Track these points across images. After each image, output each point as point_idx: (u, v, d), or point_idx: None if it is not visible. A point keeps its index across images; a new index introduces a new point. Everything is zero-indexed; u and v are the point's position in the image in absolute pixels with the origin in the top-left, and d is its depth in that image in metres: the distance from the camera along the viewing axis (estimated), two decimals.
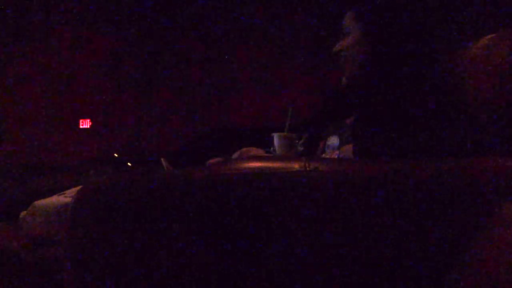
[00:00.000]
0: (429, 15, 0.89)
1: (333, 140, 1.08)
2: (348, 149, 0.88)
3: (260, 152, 1.08)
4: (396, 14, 0.88)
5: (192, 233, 0.62)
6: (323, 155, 1.15)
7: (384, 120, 0.83)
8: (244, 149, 1.08)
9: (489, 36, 0.93)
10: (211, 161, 1.07)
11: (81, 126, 3.69)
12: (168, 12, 3.80)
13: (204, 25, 3.79)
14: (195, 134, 3.52)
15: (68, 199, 0.99)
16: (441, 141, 0.75)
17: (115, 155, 3.48)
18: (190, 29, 3.82)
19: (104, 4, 3.74)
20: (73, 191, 1.06)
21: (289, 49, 3.58)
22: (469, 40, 0.98)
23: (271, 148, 1.11)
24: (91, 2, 3.71)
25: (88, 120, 3.70)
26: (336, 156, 0.94)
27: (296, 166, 0.64)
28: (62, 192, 1.08)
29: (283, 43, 3.61)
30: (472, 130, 0.78)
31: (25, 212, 1.04)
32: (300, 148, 1.08)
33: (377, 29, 0.90)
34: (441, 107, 0.79)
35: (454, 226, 0.62)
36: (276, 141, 1.09)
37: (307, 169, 0.64)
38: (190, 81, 3.84)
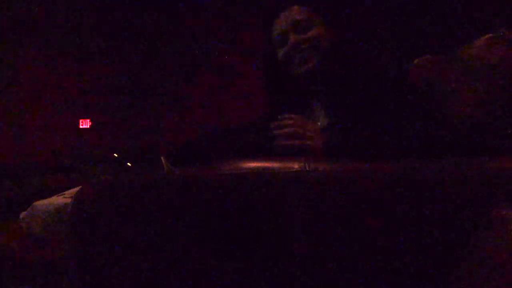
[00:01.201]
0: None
1: None
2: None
3: None
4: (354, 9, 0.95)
5: (192, 232, 0.62)
6: None
7: (350, 106, 0.87)
8: None
9: (486, 36, 0.93)
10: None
11: (81, 126, 3.69)
12: (169, 12, 3.80)
13: (204, 25, 3.78)
14: (196, 134, 3.51)
15: (67, 200, 0.99)
16: (405, 134, 0.77)
17: (115, 155, 3.48)
18: (190, 29, 3.81)
19: (104, 4, 3.73)
20: (72, 191, 1.06)
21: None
22: (463, 40, 0.98)
23: None
24: (91, 1, 3.70)
25: (88, 120, 3.70)
26: None
27: (295, 166, 0.64)
28: (62, 193, 1.08)
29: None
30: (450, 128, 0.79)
31: (25, 212, 1.04)
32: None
33: (338, 22, 0.97)
34: (408, 98, 0.82)
35: (453, 226, 0.62)
36: None
37: (307, 169, 0.64)
38: (191, 81, 3.84)
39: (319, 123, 0.98)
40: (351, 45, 0.97)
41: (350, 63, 0.95)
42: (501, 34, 0.91)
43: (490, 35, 0.92)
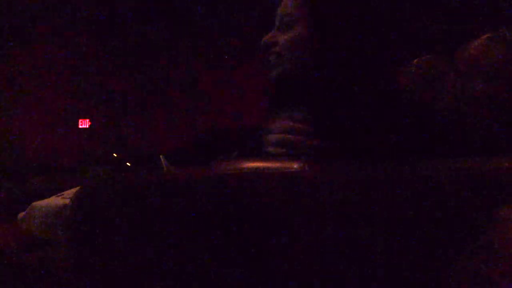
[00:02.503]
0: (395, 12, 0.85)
1: None
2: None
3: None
4: (353, 11, 0.80)
5: (191, 233, 0.62)
6: None
7: (344, 106, 0.77)
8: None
9: (485, 36, 0.93)
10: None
11: (80, 126, 3.69)
12: (168, 14, 3.80)
13: (203, 26, 3.79)
14: (195, 134, 3.52)
15: (66, 200, 0.99)
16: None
17: (115, 155, 3.49)
18: (190, 30, 3.82)
19: (104, 6, 3.74)
20: (71, 192, 1.06)
21: None
22: (463, 40, 0.97)
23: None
24: (91, 3, 3.71)
25: (87, 120, 3.71)
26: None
27: (295, 166, 0.64)
28: (60, 193, 1.08)
29: None
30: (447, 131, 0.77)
31: (23, 213, 1.04)
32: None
33: (330, 25, 0.80)
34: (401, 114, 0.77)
35: (453, 226, 0.62)
36: None
37: (306, 169, 0.64)
38: (190, 81, 3.85)
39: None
40: (340, 46, 0.79)
41: (340, 66, 0.81)
42: (501, 34, 0.91)
43: (490, 35, 0.91)
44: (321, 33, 0.81)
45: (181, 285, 0.63)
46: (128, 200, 0.64)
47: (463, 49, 0.95)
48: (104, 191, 0.66)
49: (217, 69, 3.79)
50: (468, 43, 0.95)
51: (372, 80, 0.82)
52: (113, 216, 0.64)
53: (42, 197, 1.07)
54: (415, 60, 1.07)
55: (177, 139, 3.63)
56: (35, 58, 3.50)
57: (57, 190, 1.12)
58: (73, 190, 1.05)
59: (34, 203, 1.03)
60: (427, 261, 0.62)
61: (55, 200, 1.03)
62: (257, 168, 0.66)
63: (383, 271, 0.62)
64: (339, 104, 0.79)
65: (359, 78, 0.81)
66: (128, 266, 0.63)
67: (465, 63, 0.93)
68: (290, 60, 0.83)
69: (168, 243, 0.62)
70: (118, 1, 3.77)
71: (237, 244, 0.62)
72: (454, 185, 0.64)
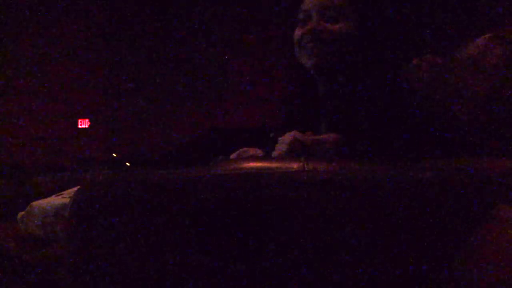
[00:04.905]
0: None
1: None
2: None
3: (258, 152, 1.07)
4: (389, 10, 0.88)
5: (191, 232, 0.62)
6: None
7: (351, 106, 0.83)
8: (243, 149, 1.08)
9: (485, 36, 0.93)
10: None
11: (79, 126, 3.69)
12: (167, 14, 3.80)
13: (202, 25, 3.78)
14: (194, 134, 3.52)
15: (66, 200, 0.99)
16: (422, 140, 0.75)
17: (114, 155, 3.48)
18: (189, 29, 3.81)
19: (104, 5, 3.73)
20: (71, 191, 1.06)
21: (289, 48, 3.58)
22: (463, 40, 0.97)
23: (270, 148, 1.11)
24: (91, 2, 3.71)
25: (87, 120, 3.70)
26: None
27: (295, 166, 0.64)
28: (60, 193, 1.08)
29: (283, 43, 3.61)
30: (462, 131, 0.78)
31: (23, 212, 1.04)
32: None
33: (373, 20, 0.89)
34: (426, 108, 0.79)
35: (453, 226, 0.62)
36: None
37: (306, 169, 0.64)
38: (190, 81, 3.84)
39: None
40: (370, 43, 0.90)
41: (364, 63, 0.89)
42: (501, 34, 0.91)
43: (490, 35, 0.91)
44: (364, 31, 0.90)
45: (181, 284, 0.62)
46: (127, 199, 0.64)
47: (463, 49, 0.95)
48: (103, 191, 0.66)
49: (217, 70, 3.78)
50: (468, 43, 0.95)
51: (380, 80, 0.83)
52: (112, 215, 0.64)
53: (41, 197, 1.07)
54: (415, 60, 1.06)
55: (177, 139, 3.63)
56: (34, 57, 3.50)
57: (57, 190, 1.12)
58: (73, 189, 1.05)
59: (34, 203, 1.03)
60: (427, 260, 0.62)
61: (55, 200, 1.03)
62: (257, 168, 0.66)
63: (382, 270, 0.62)
64: (356, 104, 0.82)
65: (375, 77, 0.84)
66: (127, 265, 0.63)
67: (465, 63, 0.93)
68: (333, 52, 0.89)
69: (167, 243, 0.62)
70: (118, 2, 3.77)
71: (237, 244, 0.62)
72: (453, 185, 0.64)
